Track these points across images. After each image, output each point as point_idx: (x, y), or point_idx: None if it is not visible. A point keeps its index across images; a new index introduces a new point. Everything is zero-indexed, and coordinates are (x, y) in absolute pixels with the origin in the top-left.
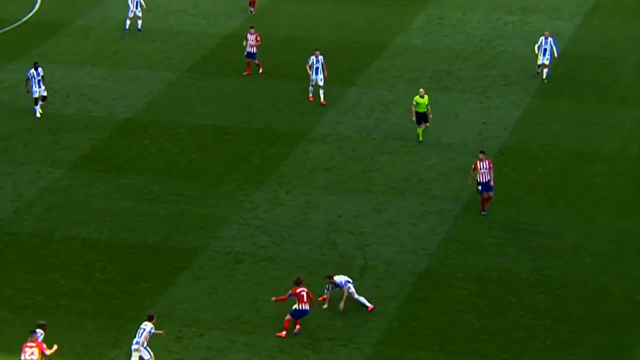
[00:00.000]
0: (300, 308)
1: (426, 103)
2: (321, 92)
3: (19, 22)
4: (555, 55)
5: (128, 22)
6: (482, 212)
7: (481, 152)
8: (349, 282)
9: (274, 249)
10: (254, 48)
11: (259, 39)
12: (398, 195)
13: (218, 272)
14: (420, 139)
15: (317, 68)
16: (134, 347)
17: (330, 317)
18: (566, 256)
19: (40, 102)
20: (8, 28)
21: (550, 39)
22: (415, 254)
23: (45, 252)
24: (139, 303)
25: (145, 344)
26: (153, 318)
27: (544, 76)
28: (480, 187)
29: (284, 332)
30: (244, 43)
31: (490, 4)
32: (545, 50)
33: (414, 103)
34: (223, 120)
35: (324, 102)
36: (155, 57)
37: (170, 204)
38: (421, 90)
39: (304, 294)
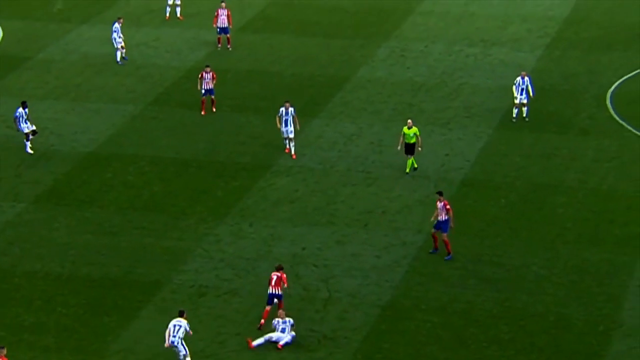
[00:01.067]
0: (268, 291)
1: (413, 134)
2: (292, 145)
3: None
4: (531, 94)
5: (119, 53)
6: (446, 257)
7: (437, 192)
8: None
9: (238, 282)
10: (210, 84)
11: (214, 76)
12: (361, 227)
13: (181, 305)
14: (407, 170)
15: (286, 120)
16: (171, 343)
17: (294, 350)
18: (529, 287)
19: (30, 137)
20: None
21: (527, 78)
22: (379, 286)
23: (7, 286)
24: (101, 337)
25: (182, 342)
26: (184, 313)
27: (524, 114)
28: (435, 225)
29: (262, 320)
30: (199, 83)
31: (451, 37)
32: (522, 90)
33: (402, 133)
34: (186, 153)
35: (294, 157)
36: (117, 90)
37: (133, 238)
38: (409, 121)
39: (274, 278)
